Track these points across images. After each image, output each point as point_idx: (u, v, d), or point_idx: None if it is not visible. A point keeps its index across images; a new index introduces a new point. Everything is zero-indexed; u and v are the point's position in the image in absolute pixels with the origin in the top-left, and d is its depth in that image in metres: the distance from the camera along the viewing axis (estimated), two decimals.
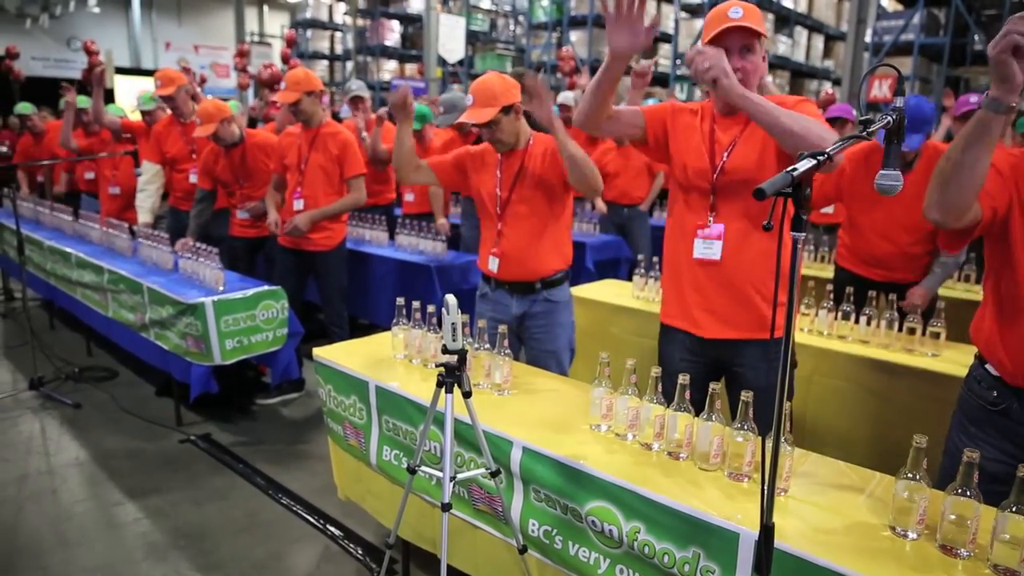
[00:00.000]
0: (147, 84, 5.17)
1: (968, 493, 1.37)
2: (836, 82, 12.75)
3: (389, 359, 2.52)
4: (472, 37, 15.49)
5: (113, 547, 2.72)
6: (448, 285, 4.25)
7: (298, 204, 3.94)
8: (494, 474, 1.90)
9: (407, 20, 16.44)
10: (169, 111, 4.67)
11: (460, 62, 14.54)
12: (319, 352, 2.58)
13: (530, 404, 2.17)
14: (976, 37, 9.21)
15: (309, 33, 17.19)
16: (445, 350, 1.82)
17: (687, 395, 1.77)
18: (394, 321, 2.51)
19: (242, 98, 13.16)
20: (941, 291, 3.06)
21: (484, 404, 2.05)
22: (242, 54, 10.82)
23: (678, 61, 12.71)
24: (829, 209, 4.28)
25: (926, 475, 1.45)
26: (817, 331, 2.86)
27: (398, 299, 2.50)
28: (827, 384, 2.72)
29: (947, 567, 1.38)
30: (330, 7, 17.35)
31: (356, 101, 5.35)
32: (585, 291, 3.57)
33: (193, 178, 4.48)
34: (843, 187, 3.05)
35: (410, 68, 16.92)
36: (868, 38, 9.78)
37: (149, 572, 2.58)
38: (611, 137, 2.17)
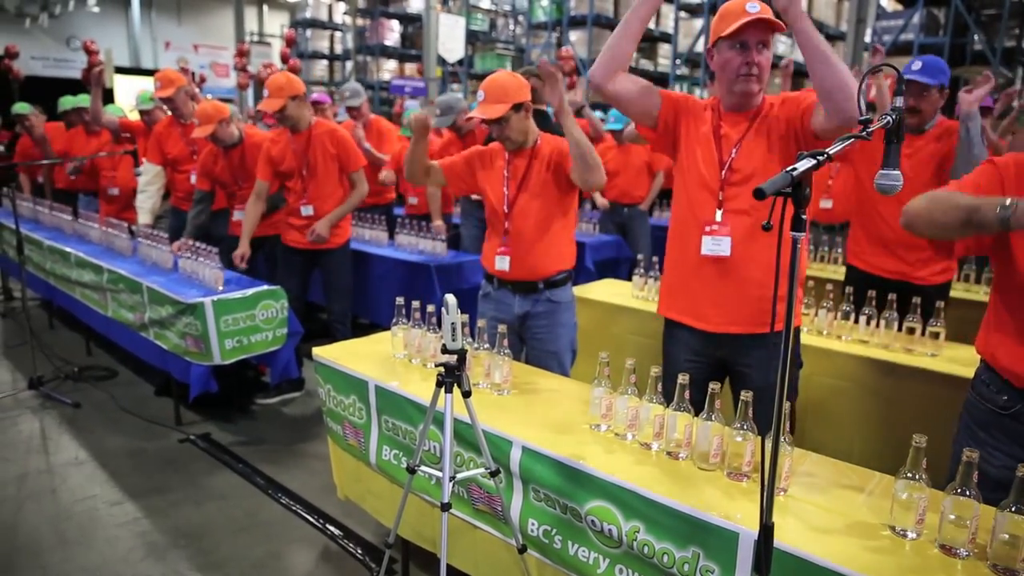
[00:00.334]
0: (147, 84, 5.16)
1: (968, 493, 1.37)
2: None
3: (389, 359, 2.52)
4: (472, 37, 15.50)
5: (112, 546, 2.72)
6: (448, 285, 4.26)
7: (307, 210, 3.95)
8: (494, 474, 1.90)
9: (407, 20, 16.44)
10: (168, 112, 4.66)
11: (460, 62, 14.54)
12: (319, 352, 2.58)
13: (530, 404, 2.17)
14: (976, 37, 9.21)
15: (309, 33, 17.19)
16: (445, 350, 1.82)
17: (687, 395, 1.77)
18: (394, 321, 2.51)
19: (241, 98, 13.16)
20: None
21: (484, 404, 2.05)
22: (242, 54, 10.83)
23: (677, 61, 12.72)
24: (827, 204, 4.27)
25: (926, 475, 1.45)
26: (817, 331, 2.86)
27: (398, 299, 2.50)
28: (827, 384, 2.71)
29: (946, 567, 1.38)
30: (330, 7, 17.35)
31: (352, 109, 5.32)
32: (585, 291, 3.57)
33: (195, 178, 4.48)
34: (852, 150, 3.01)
35: (410, 68, 16.92)
36: (868, 38, 9.79)
37: (148, 571, 2.58)
38: (625, 98, 2.14)
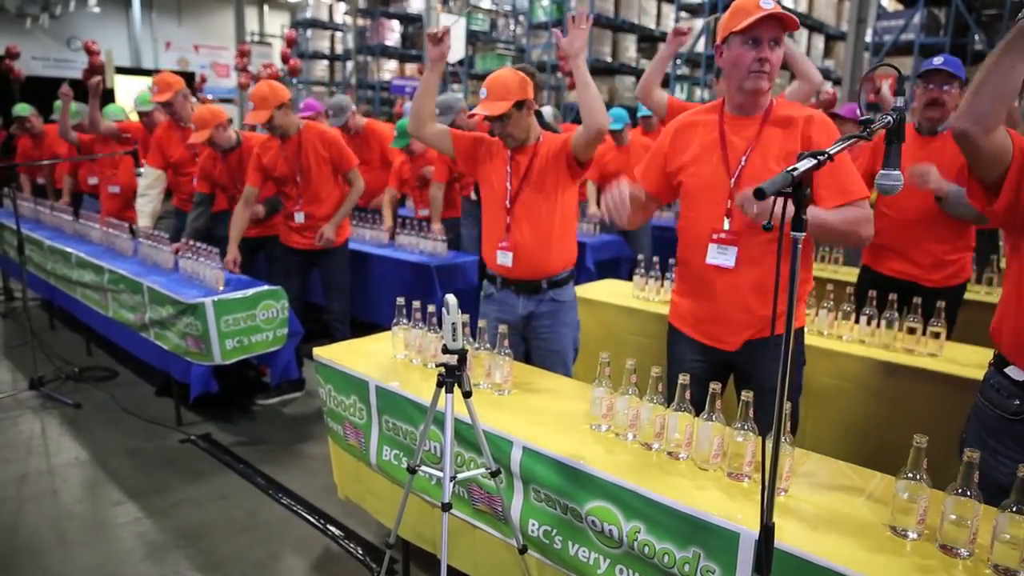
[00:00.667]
0: (147, 84, 5.15)
1: (968, 493, 1.37)
2: (837, 82, 12.73)
3: (389, 359, 2.52)
4: (472, 37, 15.48)
5: (113, 547, 2.72)
6: (448, 285, 4.26)
7: (299, 217, 3.94)
8: (494, 474, 1.90)
9: (407, 20, 16.44)
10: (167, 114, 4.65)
11: (460, 62, 14.54)
12: (319, 352, 2.58)
13: (530, 404, 2.17)
14: (976, 37, 9.20)
15: (309, 33, 17.19)
16: (445, 350, 1.82)
17: (687, 395, 1.77)
18: (394, 321, 2.51)
19: (242, 98, 13.17)
20: None
21: (484, 404, 2.05)
22: (242, 54, 10.83)
23: (678, 61, 12.71)
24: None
25: (927, 475, 1.44)
26: (817, 331, 2.86)
27: (398, 299, 2.50)
28: (827, 384, 2.71)
29: (947, 567, 1.37)
30: (330, 7, 17.35)
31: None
32: (586, 291, 3.57)
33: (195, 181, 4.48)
34: (868, 154, 2.97)
35: (410, 68, 16.93)
36: (868, 38, 9.77)
37: (149, 572, 2.58)
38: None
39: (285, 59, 11.90)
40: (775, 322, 1.24)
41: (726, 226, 2.03)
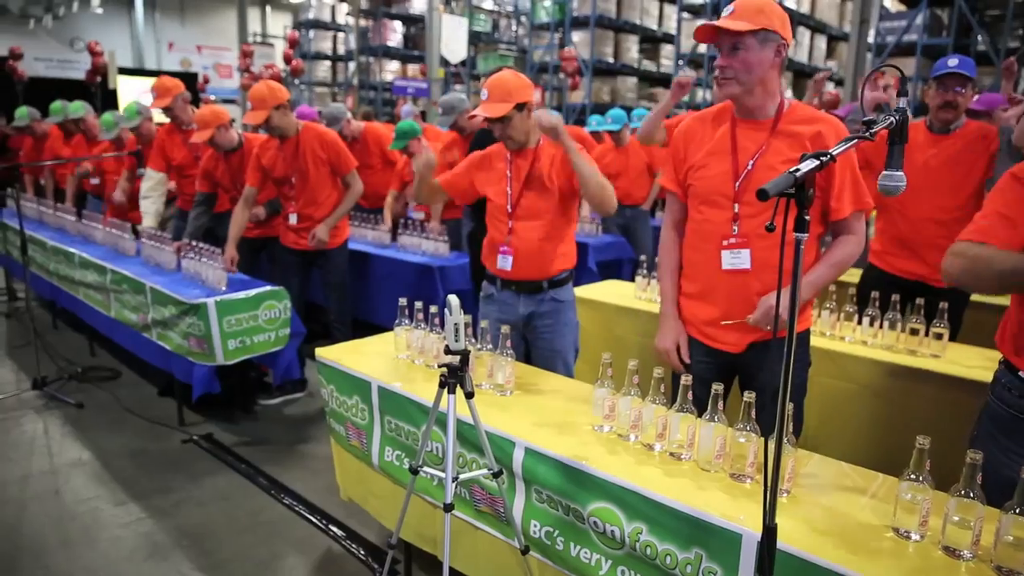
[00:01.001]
0: (150, 84, 5.14)
1: (971, 494, 1.37)
2: (839, 83, 12.72)
3: (391, 359, 2.52)
4: (474, 38, 15.50)
5: (116, 547, 2.73)
6: (450, 285, 4.26)
7: (293, 218, 3.94)
8: (496, 475, 1.90)
9: (409, 21, 16.48)
10: (154, 121, 4.65)
11: (462, 63, 14.56)
12: (321, 352, 2.58)
13: (532, 404, 2.17)
14: (979, 38, 9.18)
15: (312, 34, 17.23)
16: (448, 350, 1.82)
17: (689, 395, 1.77)
18: (396, 321, 2.51)
19: (244, 99, 13.19)
20: None
21: (486, 404, 2.05)
22: (245, 54, 10.86)
23: (680, 62, 12.72)
24: None
25: (929, 476, 1.44)
26: (819, 332, 2.86)
27: (400, 299, 2.50)
28: (829, 385, 2.71)
29: (950, 569, 1.37)
30: (333, 8, 17.39)
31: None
32: (588, 292, 3.57)
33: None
34: (870, 154, 2.94)
35: (412, 69, 16.96)
36: (871, 39, 9.76)
37: (151, 572, 2.59)
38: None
39: (288, 60, 11.93)
40: (776, 323, 1.24)
41: (735, 230, 2.02)
